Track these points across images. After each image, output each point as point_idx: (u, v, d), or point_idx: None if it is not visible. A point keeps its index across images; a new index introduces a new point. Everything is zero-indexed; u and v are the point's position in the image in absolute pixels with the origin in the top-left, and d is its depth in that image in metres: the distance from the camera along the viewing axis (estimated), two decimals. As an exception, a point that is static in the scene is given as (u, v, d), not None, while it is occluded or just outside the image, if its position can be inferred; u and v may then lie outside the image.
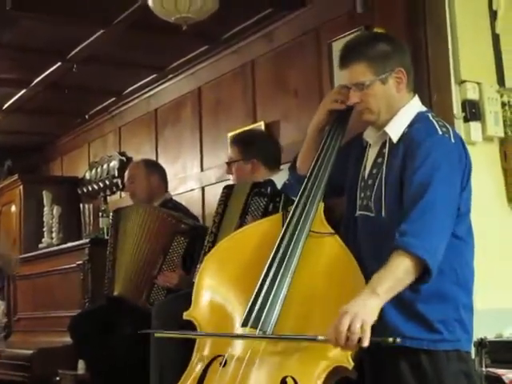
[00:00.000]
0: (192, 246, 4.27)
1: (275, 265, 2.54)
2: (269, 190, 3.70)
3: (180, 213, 4.54)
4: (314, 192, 2.67)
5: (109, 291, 4.48)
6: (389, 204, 2.57)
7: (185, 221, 4.39)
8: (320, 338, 2.35)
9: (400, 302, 2.51)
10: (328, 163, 2.72)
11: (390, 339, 2.28)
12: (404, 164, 2.55)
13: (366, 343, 2.27)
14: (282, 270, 2.52)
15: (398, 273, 2.38)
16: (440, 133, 2.55)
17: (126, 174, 4.97)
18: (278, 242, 2.58)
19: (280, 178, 3.85)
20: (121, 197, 6.68)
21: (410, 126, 2.63)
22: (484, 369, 3.29)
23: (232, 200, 3.81)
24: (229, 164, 4.08)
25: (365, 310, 2.30)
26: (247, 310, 2.50)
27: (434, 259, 2.39)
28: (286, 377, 2.41)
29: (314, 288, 2.53)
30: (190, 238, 4.32)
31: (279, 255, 2.55)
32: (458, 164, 2.56)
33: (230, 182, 4.11)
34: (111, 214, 4.75)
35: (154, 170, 4.89)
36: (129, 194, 4.91)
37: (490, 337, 3.39)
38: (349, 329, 2.27)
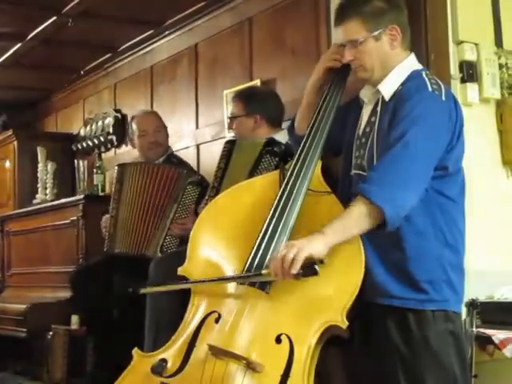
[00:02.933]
0: (202, 194, 4.31)
1: (273, 222, 2.55)
2: (281, 149, 3.67)
3: (185, 169, 4.61)
4: (313, 150, 2.66)
5: (109, 248, 4.49)
6: None
7: (194, 174, 4.54)
8: (264, 271, 2.42)
9: (388, 262, 2.54)
10: (327, 121, 2.72)
11: (316, 266, 2.32)
12: (392, 120, 2.55)
13: (293, 270, 2.31)
14: (280, 228, 2.53)
15: (351, 216, 2.41)
16: (430, 89, 2.55)
17: (143, 125, 4.81)
18: (276, 199, 2.59)
19: (281, 138, 3.85)
20: (115, 153, 6.67)
21: (403, 84, 2.62)
22: (475, 329, 3.32)
23: (236, 155, 3.80)
24: (231, 119, 4.05)
25: (303, 243, 2.34)
26: (246, 266, 2.52)
27: (393, 207, 2.38)
28: (280, 334, 2.43)
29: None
30: (201, 187, 4.36)
31: (277, 212, 2.56)
32: (446, 122, 2.55)
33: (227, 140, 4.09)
34: (116, 168, 4.64)
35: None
36: (149, 145, 4.74)
37: (482, 298, 3.41)
38: (283, 258, 2.32)
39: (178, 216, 4.36)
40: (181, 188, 4.39)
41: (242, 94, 4.21)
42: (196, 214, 4.15)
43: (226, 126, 4.19)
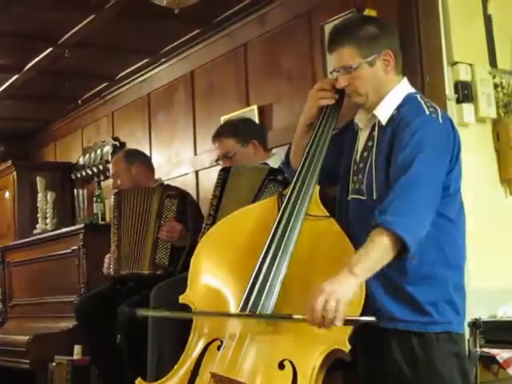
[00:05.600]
0: (182, 204, 4.58)
1: (273, 248, 2.53)
2: (284, 177, 3.65)
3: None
4: (310, 175, 2.66)
5: (115, 271, 4.54)
6: (379, 187, 2.58)
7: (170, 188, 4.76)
8: (296, 316, 2.36)
9: (390, 285, 2.53)
10: (323, 146, 2.71)
11: (364, 318, 2.30)
12: (391, 145, 2.56)
13: (339, 323, 2.28)
14: (279, 253, 2.52)
15: (376, 251, 2.38)
16: (427, 113, 2.56)
17: (110, 170, 5.06)
18: (274, 225, 2.58)
19: (272, 163, 3.86)
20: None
21: (399, 108, 2.63)
22: (478, 349, 3.31)
23: (232, 182, 3.79)
24: (228, 158, 4.00)
25: (340, 289, 2.30)
26: (246, 293, 2.50)
27: (413, 237, 2.38)
28: (283, 360, 2.41)
29: (311, 271, 2.53)
30: (179, 198, 4.60)
31: (276, 238, 2.54)
32: (445, 143, 2.56)
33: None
34: (113, 196, 4.80)
35: (134, 158, 4.93)
36: (116, 186, 4.92)
37: (484, 317, 3.41)
38: (324, 308, 2.28)
39: (162, 225, 4.53)
40: (160, 203, 4.57)
41: (225, 130, 4.14)
42: (181, 224, 4.45)
43: (222, 165, 4.07)
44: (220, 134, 4.10)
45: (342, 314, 2.28)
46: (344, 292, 2.30)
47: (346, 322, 2.30)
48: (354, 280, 2.34)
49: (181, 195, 4.64)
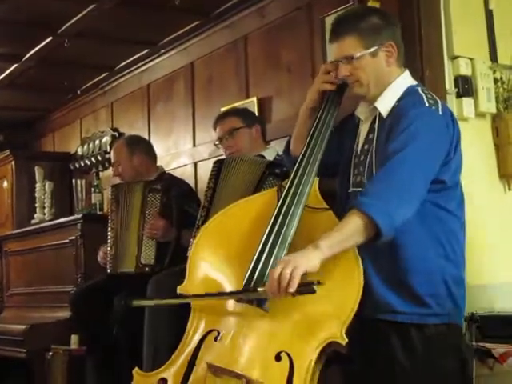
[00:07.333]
0: (166, 197, 4.45)
1: (271, 238, 2.52)
2: (283, 170, 3.64)
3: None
4: (310, 166, 2.64)
5: (112, 269, 4.51)
6: None
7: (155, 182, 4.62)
8: (259, 288, 2.40)
9: (390, 278, 2.54)
10: (323, 138, 2.70)
11: (314, 286, 2.30)
12: (389, 136, 2.55)
13: (291, 288, 2.29)
14: (278, 244, 2.51)
15: (347, 230, 2.40)
16: (427, 105, 2.56)
17: (111, 157, 4.95)
18: (274, 215, 2.57)
19: (268, 155, 3.86)
20: (113, 172, 6.67)
21: (400, 100, 2.63)
22: (474, 343, 3.31)
23: (226, 173, 3.78)
24: (231, 133, 4.01)
25: (298, 259, 2.33)
26: (244, 283, 2.49)
27: (388, 221, 2.37)
28: (280, 352, 2.42)
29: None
30: (162, 191, 4.47)
31: (275, 229, 2.53)
32: (443, 136, 2.55)
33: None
34: (110, 189, 4.75)
35: (136, 147, 4.84)
36: (117, 174, 4.88)
37: (481, 311, 3.41)
38: (280, 275, 2.30)
39: (147, 222, 4.45)
40: (143, 198, 4.49)
41: (232, 111, 4.22)
42: (165, 220, 4.37)
43: (222, 146, 4.08)
44: (226, 113, 4.18)
45: (297, 281, 2.30)
46: (301, 261, 2.33)
47: (300, 289, 2.31)
48: (316, 253, 2.35)
49: (165, 189, 4.50)
